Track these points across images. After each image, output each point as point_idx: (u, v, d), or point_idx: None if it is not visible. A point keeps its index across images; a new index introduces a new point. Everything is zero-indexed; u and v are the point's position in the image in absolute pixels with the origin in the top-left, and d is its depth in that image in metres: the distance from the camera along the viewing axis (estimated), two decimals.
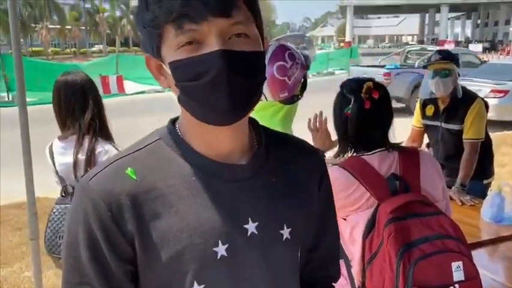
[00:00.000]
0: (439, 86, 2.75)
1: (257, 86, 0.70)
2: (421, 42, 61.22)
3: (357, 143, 1.59)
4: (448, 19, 56.27)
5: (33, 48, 46.55)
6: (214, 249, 0.71)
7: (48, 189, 2.31)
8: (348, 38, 50.16)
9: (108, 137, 2.09)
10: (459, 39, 61.30)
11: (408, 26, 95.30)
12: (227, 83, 0.65)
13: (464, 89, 2.86)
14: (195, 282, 0.71)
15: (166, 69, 0.69)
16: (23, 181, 2.45)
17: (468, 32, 71.07)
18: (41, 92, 11.90)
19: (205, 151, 0.74)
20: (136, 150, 0.75)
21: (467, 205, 2.59)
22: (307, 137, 1.48)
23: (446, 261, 1.34)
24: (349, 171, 1.50)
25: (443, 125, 2.89)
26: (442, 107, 2.88)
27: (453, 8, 53.08)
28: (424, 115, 3.01)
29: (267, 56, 1.78)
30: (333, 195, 0.92)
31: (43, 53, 44.49)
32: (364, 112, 1.54)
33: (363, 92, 1.54)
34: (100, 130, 2.05)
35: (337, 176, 1.50)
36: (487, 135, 2.89)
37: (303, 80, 1.84)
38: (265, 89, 1.80)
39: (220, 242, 0.71)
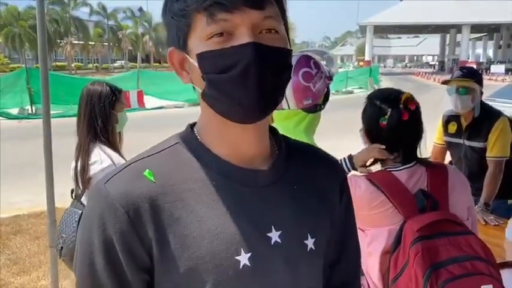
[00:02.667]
0: (457, 103, 2.71)
1: (283, 84, 0.68)
2: (441, 62, 60.87)
3: (392, 152, 1.56)
4: (470, 40, 55.90)
5: (57, 63, 47.85)
6: (237, 257, 0.67)
7: (67, 199, 2.35)
8: (367, 57, 50.19)
9: (114, 147, 2.13)
10: (481, 60, 60.72)
11: (428, 46, 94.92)
12: (256, 77, 0.62)
13: (487, 106, 2.82)
14: None
15: (192, 61, 0.66)
16: (41, 191, 2.49)
17: (490, 52, 70.33)
18: (64, 105, 12.18)
19: (226, 155, 0.71)
20: (154, 153, 0.72)
21: (491, 225, 2.52)
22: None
23: (475, 284, 1.28)
24: (376, 184, 1.47)
25: (466, 142, 2.83)
26: (464, 124, 2.83)
27: (475, 28, 52.74)
28: (446, 132, 2.96)
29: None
30: (353, 209, 0.89)
31: (66, 67, 45.70)
32: (402, 123, 1.51)
33: (402, 102, 1.50)
34: (107, 139, 2.10)
35: (362, 188, 1.47)
36: (511, 153, 2.82)
37: (326, 90, 1.83)
38: (289, 97, 1.79)
39: (242, 250, 0.67)
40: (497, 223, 2.53)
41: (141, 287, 0.67)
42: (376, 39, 75.28)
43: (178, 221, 0.67)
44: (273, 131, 0.79)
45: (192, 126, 0.76)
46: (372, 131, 1.58)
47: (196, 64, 0.65)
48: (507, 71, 40.58)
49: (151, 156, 0.71)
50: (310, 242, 0.73)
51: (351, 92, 23.33)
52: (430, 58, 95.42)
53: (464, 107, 2.72)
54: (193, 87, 0.72)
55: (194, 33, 0.65)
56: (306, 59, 1.79)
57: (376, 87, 23.82)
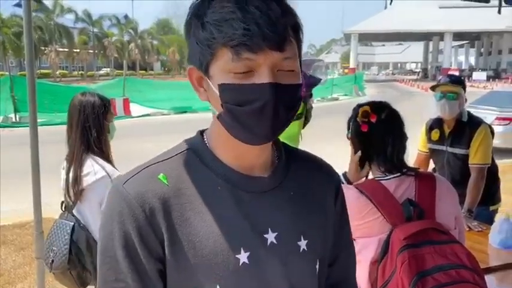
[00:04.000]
0: (445, 108, 2.77)
1: (293, 115, 0.76)
2: (425, 70, 61.77)
3: (369, 163, 1.60)
4: (452, 47, 56.87)
5: (42, 71, 47.23)
6: (237, 256, 0.75)
7: (52, 209, 2.33)
8: (352, 65, 50.73)
9: (107, 157, 2.11)
10: (463, 68, 61.75)
11: (412, 53, 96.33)
12: (272, 113, 0.71)
13: (470, 114, 2.88)
14: (218, 286, 0.74)
15: (212, 86, 0.74)
16: (26, 201, 2.47)
17: (472, 60, 71.63)
18: (49, 114, 12.04)
19: (232, 163, 0.79)
20: (168, 158, 0.80)
21: (475, 231, 2.57)
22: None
23: None
24: (365, 193, 1.50)
25: (449, 149, 2.89)
26: (447, 131, 2.89)
27: (457, 36, 53.71)
28: (429, 139, 3.02)
29: None
30: (347, 213, 0.95)
31: (51, 75, 45.12)
32: (363, 135, 1.57)
33: (359, 116, 1.57)
34: (100, 150, 2.08)
35: (351, 197, 1.50)
36: (493, 160, 2.89)
37: (303, 103, 1.86)
38: None
39: (242, 249, 0.75)
40: (480, 229, 2.58)
41: (155, 275, 0.75)
42: (361, 46, 76.16)
43: (187, 222, 0.75)
44: (275, 140, 0.86)
45: (201, 132, 0.85)
46: (350, 143, 1.66)
47: (216, 91, 0.73)
48: (488, 78, 41.36)
49: (165, 160, 0.80)
50: (302, 244, 0.81)
51: (336, 99, 23.52)
52: (413, 65, 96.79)
53: (452, 112, 2.78)
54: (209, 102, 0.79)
55: (217, 63, 0.72)
56: None
57: (361, 94, 24.05)
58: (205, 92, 0.77)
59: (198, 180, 0.78)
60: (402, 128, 1.60)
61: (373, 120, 1.55)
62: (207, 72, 0.74)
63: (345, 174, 1.77)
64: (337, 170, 1.74)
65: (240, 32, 0.68)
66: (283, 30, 0.70)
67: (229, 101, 0.72)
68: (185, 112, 16.55)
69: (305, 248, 0.81)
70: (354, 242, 1.51)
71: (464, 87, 2.86)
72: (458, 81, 2.86)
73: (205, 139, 0.83)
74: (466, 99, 2.86)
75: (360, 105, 1.62)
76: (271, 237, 0.78)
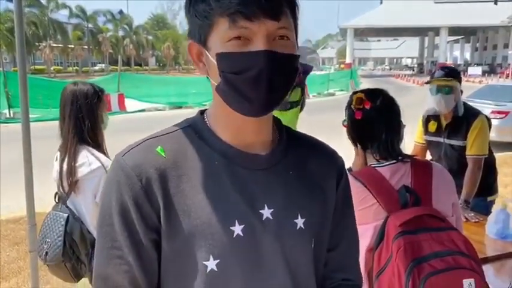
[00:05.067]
0: (441, 103, 2.76)
1: (289, 86, 0.77)
2: (420, 65, 61.93)
3: (363, 149, 1.60)
4: (447, 42, 57.01)
5: (36, 66, 47.03)
6: (231, 228, 0.76)
7: (45, 203, 2.30)
8: (348, 60, 50.74)
9: (101, 148, 2.08)
10: (458, 62, 61.92)
11: (408, 48, 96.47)
12: (267, 80, 0.72)
13: (467, 105, 2.87)
14: (211, 256, 0.75)
15: (211, 57, 0.75)
16: (20, 196, 2.44)
17: (467, 55, 71.85)
18: (43, 109, 11.97)
19: (231, 140, 0.81)
20: (167, 133, 0.82)
21: (472, 222, 2.56)
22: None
23: (457, 278, 1.29)
24: (360, 180, 1.48)
25: (446, 141, 2.88)
26: (444, 123, 2.88)
27: (452, 31, 53.85)
28: (426, 131, 3.00)
29: None
30: (351, 198, 0.95)
31: (45, 71, 44.87)
32: (357, 122, 1.55)
33: (353, 103, 1.56)
34: (94, 141, 2.04)
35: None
36: (490, 152, 2.88)
37: (299, 88, 1.84)
38: None
39: (237, 222, 0.77)
40: (477, 220, 2.58)
41: (150, 245, 0.77)
42: (357, 42, 76.21)
43: (182, 192, 0.77)
44: (277, 122, 0.89)
45: (202, 112, 0.87)
46: (346, 131, 1.65)
47: (214, 61, 0.74)
48: (484, 72, 41.53)
49: (164, 135, 0.82)
50: (300, 222, 0.82)
51: (333, 94, 23.53)
52: (409, 60, 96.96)
53: (448, 106, 2.76)
54: (207, 78, 0.80)
55: (215, 34, 0.74)
56: None
57: (357, 90, 24.06)
58: (204, 67, 0.79)
59: (195, 154, 0.80)
60: (398, 115, 1.58)
61: (368, 107, 1.54)
62: (205, 45, 0.76)
63: (350, 170, 1.76)
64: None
65: (236, 1, 0.70)
66: (279, 0, 0.73)
67: (227, 69, 0.73)
68: (180, 107, 16.51)
69: (302, 226, 0.82)
70: None
71: (459, 80, 2.84)
72: (453, 74, 2.83)
73: (205, 118, 0.84)
74: (461, 91, 2.84)
75: (355, 93, 1.61)
76: (267, 213, 0.79)
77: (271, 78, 0.72)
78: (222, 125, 0.82)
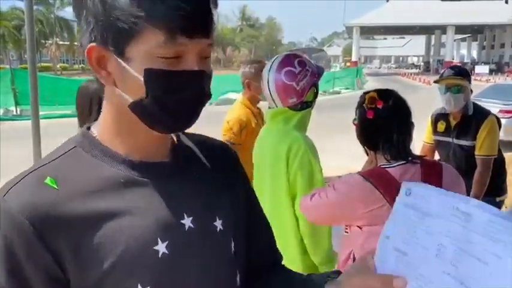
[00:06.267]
0: (450, 102, 2.74)
1: (207, 101, 0.74)
2: (426, 63, 61.63)
3: (371, 149, 1.60)
4: (454, 41, 56.67)
5: (42, 64, 47.22)
6: (155, 247, 0.69)
7: None
8: (354, 58, 50.58)
9: None
10: (465, 61, 61.55)
11: (414, 47, 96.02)
12: (199, 101, 0.70)
13: (476, 105, 2.85)
14: (139, 284, 0.67)
15: (132, 71, 0.66)
16: None
17: (474, 53, 71.41)
18: (49, 106, 12.02)
19: (130, 153, 0.73)
20: (52, 160, 0.70)
21: None
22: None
23: None
24: (370, 180, 1.48)
25: (455, 141, 2.86)
26: (453, 122, 2.86)
27: (459, 29, 53.50)
28: (435, 131, 2.99)
29: (276, 63, 1.79)
30: (253, 189, 0.94)
31: (52, 68, 45.17)
32: (369, 121, 1.55)
33: (366, 102, 1.56)
34: None
35: (356, 185, 1.49)
36: (500, 152, 2.86)
37: (314, 89, 1.84)
38: (275, 96, 1.80)
39: (159, 239, 0.69)
40: None
41: None
42: (363, 40, 75.91)
43: (90, 224, 0.66)
44: None
45: (88, 128, 0.77)
46: (356, 131, 1.65)
47: (138, 76, 0.66)
48: (491, 71, 41.24)
49: (50, 163, 0.69)
50: (219, 224, 0.78)
51: (338, 93, 23.46)
52: (415, 59, 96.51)
53: (457, 105, 2.75)
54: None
55: (141, 44, 0.64)
56: (290, 58, 1.81)
57: (363, 88, 24.00)
58: (109, 76, 0.69)
59: (93, 176, 0.69)
60: (409, 115, 1.58)
61: (380, 106, 1.53)
62: (122, 54, 0.66)
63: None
64: (344, 169, 1.71)
65: (177, 13, 0.62)
66: (210, 12, 0.67)
67: (157, 87, 0.66)
68: None
69: (221, 228, 0.78)
70: (360, 230, 1.51)
71: (469, 79, 2.82)
72: (462, 73, 2.82)
73: (94, 134, 0.75)
74: (471, 91, 2.82)
75: (366, 92, 1.60)
76: (187, 222, 0.73)
77: (201, 98, 0.70)
78: (120, 140, 0.73)
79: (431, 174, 1.51)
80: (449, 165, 1.64)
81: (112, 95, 0.71)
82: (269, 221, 2.01)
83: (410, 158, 1.53)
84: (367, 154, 1.66)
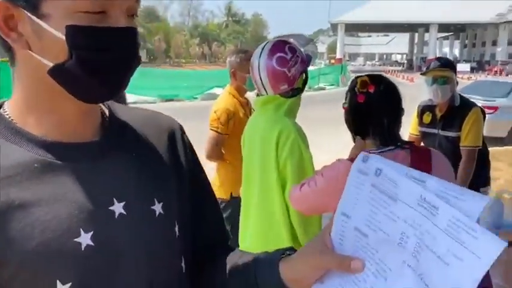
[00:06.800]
0: (437, 93, 2.78)
1: (137, 65, 0.66)
2: (410, 61, 62.34)
3: (360, 135, 1.59)
4: (437, 39, 57.39)
5: None
6: (76, 239, 0.60)
7: None
8: (338, 55, 50.82)
9: None
10: None
11: (398, 44, 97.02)
12: (130, 61, 0.63)
13: (462, 97, 2.88)
14: (58, 281, 0.59)
15: (49, 29, 0.58)
16: None
17: (456, 51, 72.42)
18: None
19: (48, 133, 0.64)
20: None
21: None
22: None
23: None
24: None
25: (441, 132, 2.89)
26: (439, 114, 2.89)
27: (442, 28, 54.26)
28: (421, 122, 3.02)
29: (266, 50, 1.78)
30: (203, 169, 0.86)
31: None
32: (359, 106, 1.54)
33: (357, 86, 1.55)
34: None
35: (344, 171, 1.47)
36: (484, 143, 2.90)
37: (304, 75, 1.84)
38: (266, 83, 1.79)
39: (82, 230, 0.61)
40: None
41: None
42: (347, 37, 76.40)
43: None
44: None
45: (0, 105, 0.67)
46: (344, 116, 1.64)
47: (58, 34, 0.58)
48: (472, 69, 41.88)
49: None
50: (158, 207, 0.69)
51: (323, 89, 23.57)
52: (399, 56, 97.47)
53: (444, 97, 2.78)
54: (9, 56, 0.64)
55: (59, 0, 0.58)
56: (281, 44, 1.79)
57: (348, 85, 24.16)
58: (20, 38, 0.60)
59: (4, 162, 0.60)
60: (400, 101, 1.58)
61: (371, 90, 1.53)
62: (35, 10, 0.58)
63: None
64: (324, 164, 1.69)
65: None
66: None
67: (82, 47, 0.58)
68: (171, 100, 16.41)
69: (161, 212, 0.69)
70: None
71: (455, 70, 2.86)
72: (448, 65, 2.86)
73: (6, 112, 0.65)
74: (457, 82, 2.86)
75: (358, 77, 1.60)
76: (118, 208, 0.64)
77: (131, 59, 0.63)
78: (36, 117, 0.64)
79: (420, 160, 1.52)
80: (438, 152, 1.64)
81: (26, 62, 0.62)
82: (259, 209, 2.00)
83: (399, 144, 1.54)
84: (354, 140, 1.66)
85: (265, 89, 1.81)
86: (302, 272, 0.68)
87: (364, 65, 79.96)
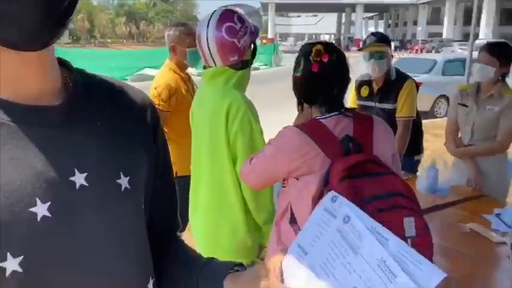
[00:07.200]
0: (374, 68, 2.87)
1: (69, 7, 0.55)
2: (337, 40, 64.18)
3: (309, 102, 1.61)
4: (363, 19, 59.53)
5: None
6: (32, 209, 0.55)
7: None
8: (270, 35, 51.13)
9: None
10: None
11: (326, 24, 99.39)
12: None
13: (396, 70, 3.00)
14: (9, 254, 0.54)
15: None
16: None
17: (380, 31, 75.59)
18: None
19: (6, 94, 0.57)
20: None
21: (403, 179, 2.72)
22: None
23: (398, 217, 1.32)
24: (305, 131, 1.51)
25: (378, 105, 3.00)
26: (376, 88, 3.00)
27: (367, 8, 56.22)
28: (359, 96, 3.11)
29: (214, 19, 1.72)
30: (169, 152, 0.84)
31: None
32: (312, 75, 1.55)
33: (312, 55, 1.55)
34: None
35: (291, 135, 1.51)
36: (417, 114, 3.05)
37: (252, 45, 1.80)
38: (215, 54, 1.74)
39: (38, 200, 0.56)
40: (407, 177, 2.74)
41: None
42: (278, 17, 76.99)
43: None
44: (64, 64, 0.68)
45: None
46: (293, 83, 1.64)
47: None
48: (395, 48, 44.01)
49: None
50: (124, 181, 0.65)
51: (257, 69, 23.54)
52: (327, 37, 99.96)
53: (381, 71, 2.89)
54: None
55: None
56: (230, 14, 1.74)
57: (281, 64, 24.44)
58: None
59: None
60: (348, 70, 1.61)
61: (325, 60, 1.54)
62: None
63: None
64: None
65: None
66: None
67: None
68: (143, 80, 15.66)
69: (128, 186, 0.65)
70: (297, 180, 1.53)
71: (389, 45, 2.97)
72: (384, 40, 2.95)
73: None
74: (392, 56, 2.96)
75: (310, 44, 1.60)
76: (79, 179, 0.60)
77: None
78: None
79: (363, 125, 1.56)
80: (380, 118, 1.68)
81: None
82: (210, 185, 1.96)
83: (343, 110, 1.57)
84: (302, 110, 1.66)
85: (214, 60, 1.75)
86: None
87: (294, 45, 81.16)
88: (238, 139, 1.70)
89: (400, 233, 1.31)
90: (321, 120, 1.54)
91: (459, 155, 2.84)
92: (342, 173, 1.38)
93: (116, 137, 0.67)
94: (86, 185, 0.60)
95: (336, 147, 1.48)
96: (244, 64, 1.77)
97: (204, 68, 1.84)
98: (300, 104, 1.65)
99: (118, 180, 0.64)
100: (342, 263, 0.62)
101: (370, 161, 1.45)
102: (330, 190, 1.38)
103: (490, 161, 2.70)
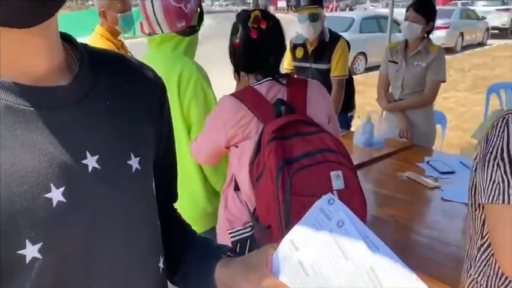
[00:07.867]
0: (309, 30, 2.93)
1: None
2: (256, 0, 63.59)
3: (247, 70, 1.62)
4: None
5: None
6: (47, 195, 0.54)
7: None
8: None
9: None
10: None
11: None
12: None
13: (330, 31, 3.09)
14: (28, 241, 0.53)
15: None
16: None
17: None
18: None
19: (11, 76, 0.54)
20: None
21: (339, 136, 2.86)
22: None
23: (324, 171, 1.39)
24: (239, 98, 1.53)
25: (313, 65, 3.09)
26: (310, 49, 3.07)
27: None
28: (294, 57, 3.18)
29: None
30: (172, 122, 0.85)
31: None
32: (250, 41, 1.56)
33: (250, 21, 1.55)
34: None
35: (226, 104, 1.53)
36: (349, 72, 3.19)
37: (199, 10, 1.77)
38: (161, 20, 1.68)
39: (52, 185, 0.55)
40: (343, 134, 2.89)
41: None
42: None
43: None
44: (69, 40, 0.64)
45: None
46: (230, 50, 1.63)
47: None
48: (289, 7, 44.53)
49: None
50: (134, 162, 0.64)
51: None
52: None
53: (316, 32, 2.95)
54: None
55: None
56: None
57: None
58: None
59: None
60: (284, 37, 1.63)
61: (263, 26, 1.54)
62: None
63: None
64: None
65: None
66: None
67: None
68: None
69: (138, 167, 0.65)
70: (236, 148, 1.55)
71: (322, 6, 3.03)
72: (317, 2, 3.00)
73: None
74: (325, 16, 3.04)
75: (247, 11, 1.59)
76: (91, 162, 0.59)
77: None
78: None
79: (296, 87, 1.59)
80: (314, 81, 1.71)
81: None
82: None
83: (276, 76, 1.59)
84: (239, 79, 1.67)
85: (160, 27, 1.69)
86: (237, 282, 0.71)
87: (211, 5, 79.18)
88: (192, 107, 1.69)
89: (327, 185, 1.37)
90: (254, 86, 1.57)
91: (391, 109, 3.04)
92: (271, 134, 1.42)
93: (125, 116, 0.65)
94: (98, 167, 0.59)
95: (268, 111, 1.51)
96: (192, 30, 1.74)
97: (149, 34, 1.77)
98: (236, 72, 1.66)
99: (129, 162, 0.64)
100: (332, 265, 0.63)
101: (301, 122, 1.49)
102: (262, 153, 1.43)
103: (418, 113, 2.92)
